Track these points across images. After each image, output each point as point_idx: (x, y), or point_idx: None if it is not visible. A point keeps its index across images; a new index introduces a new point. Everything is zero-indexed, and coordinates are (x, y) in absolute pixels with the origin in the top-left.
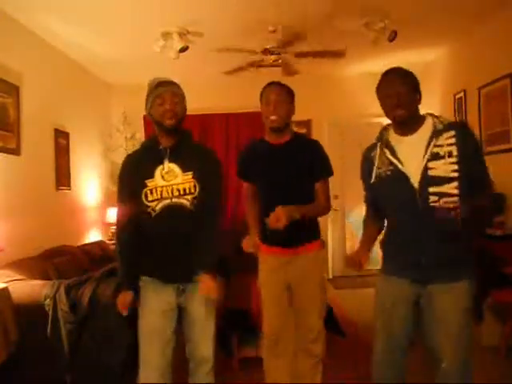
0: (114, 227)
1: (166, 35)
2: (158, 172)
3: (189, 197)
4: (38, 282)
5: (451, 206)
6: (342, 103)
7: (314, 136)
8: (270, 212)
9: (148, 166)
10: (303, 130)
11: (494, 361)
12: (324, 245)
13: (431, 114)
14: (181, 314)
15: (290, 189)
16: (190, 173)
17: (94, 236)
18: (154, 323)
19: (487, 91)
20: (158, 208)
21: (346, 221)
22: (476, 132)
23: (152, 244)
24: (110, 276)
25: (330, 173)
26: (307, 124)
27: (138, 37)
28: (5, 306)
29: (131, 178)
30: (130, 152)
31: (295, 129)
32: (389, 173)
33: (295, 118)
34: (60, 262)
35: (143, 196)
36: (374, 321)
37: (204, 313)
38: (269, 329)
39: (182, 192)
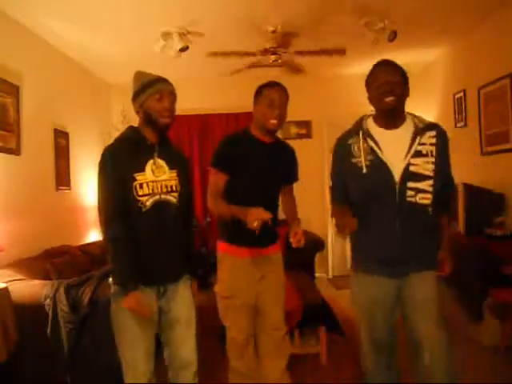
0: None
1: (166, 35)
2: (148, 166)
3: (175, 194)
4: (37, 282)
5: (426, 201)
6: (342, 103)
7: (314, 136)
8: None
9: (137, 159)
10: (303, 131)
11: (494, 361)
12: (323, 244)
13: (410, 113)
14: (160, 317)
15: (268, 186)
16: (175, 171)
17: (93, 236)
18: (136, 329)
19: (487, 91)
20: (148, 203)
21: None
22: (476, 132)
23: (137, 242)
24: (110, 276)
25: (298, 178)
26: (307, 124)
27: (138, 37)
28: (5, 306)
29: (119, 170)
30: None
31: (295, 129)
32: (368, 163)
33: (295, 118)
34: (60, 261)
35: (133, 190)
36: (357, 320)
37: (187, 314)
38: (241, 334)
39: (169, 189)
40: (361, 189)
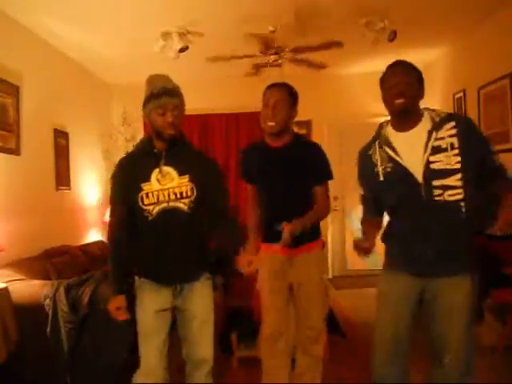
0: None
1: (166, 35)
2: (153, 175)
3: (186, 200)
4: (37, 282)
5: (457, 197)
6: (341, 103)
7: (314, 136)
8: (269, 215)
9: (144, 170)
10: (303, 131)
11: (494, 361)
12: (324, 244)
13: (427, 109)
14: (176, 315)
15: (288, 192)
16: (187, 176)
17: (93, 236)
18: (149, 325)
19: (487, 91)
20: (154, 212)
21: (346, 221)
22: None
23: (148, 247)
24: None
25: (329, 176)
26: (307, 124)
27: (138, 37)
28: (5, 306)
29: (126, 181)
30: (125, 153)
31: (295, 129)
32: (389, 169)
33: (295, 118)
34: (60, 261)
35: (139, 200)
36: (375, 316)
37: (203, 312)
38: (268, 329)
39: (178, 196)
40: (385, 195)
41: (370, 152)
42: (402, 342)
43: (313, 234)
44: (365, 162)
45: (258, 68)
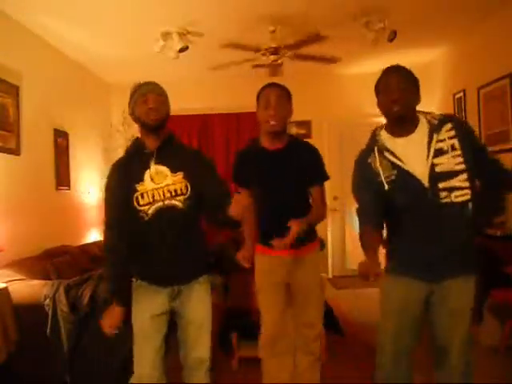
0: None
1: (166, 35)
2: (147, 175)
3: (181, 197)
4: (37, 282)
5: (464, 198)
6: (342, 103)
7: (314, 136)
8: (266, 217)
9: (136, 171)
10: (303, 131)
11: (494, 361)
12: (323, 244)
13: (421, 112)
14: (173, 318)
15: (287, 195)
16: (180, 173)
17: (93, 236)
18: (144, 330)
19: (487, 91)
20: (150, 212)
21: (346, 221)
22: (476, 132)
23: (145, 248)
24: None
25: (326, 177)
26: (307, 124)
27: (138, 37)
28: (5, 306)
29: (120, 185)
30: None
31: (295, 129)
32: (394, 177)
33: (295, 118)
34: (60, 261)
35: (134, 201)
36: (380, 322)
37: (200, 317)
38: (267, 329)
39: (173, 193)
40: (391, 203)
41: (370, 160)
42: (409, 346)
43: (310, 236)
44: (365, 171)
45: (257, 67)
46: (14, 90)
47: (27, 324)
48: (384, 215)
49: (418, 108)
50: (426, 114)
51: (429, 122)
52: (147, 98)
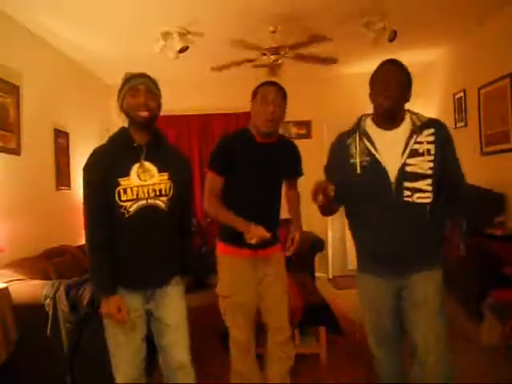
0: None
1: (166, 35)
2: (133, 170)
3: (164, 198)
4: (38, 282)
5: (424, 200)
6: (342, 103)
7: (314, 136)
8: (244, 210)
9: (122, 163)
10: (303, 131)
11: (494, 361)
12: (323, 244)
13: (409, 110)
14: (150, 319)
15: (268, 188)
16: (166, 173)
17: None
18: (121, 335)
19: (487, 91)
20: (132, 209)
21: (346, 221)
22: (476, 132)
23: (121, 247)
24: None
25: (302, 173)
26: (307, 124)
27: (138, 37)
28: (5, 306)
29: (102, 174)
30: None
31: (295, 129)
32: (365, 163)
33: (295, 118)
34: (60, 261)
35: (116, 195)
36: (363, 320)
37: (176, 318)
38: (242, 335)
39: (157, 193)
40: (357, 189)
41: (349, 142)
42: (391, 336)
43: (276, 236)
44: (341, 150)
45: (257, 67)
46: (14, 90)
47: (27, 324)
48: (351, 203)
49: (416, 108)
50: (412, 113)
51: (413, 121)
52: (138, 92)
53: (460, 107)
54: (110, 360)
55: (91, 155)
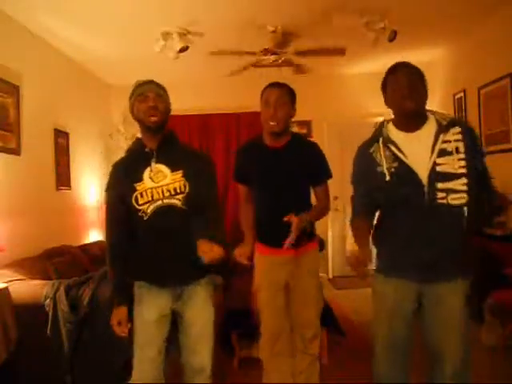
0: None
1: (166, 35)
2: (146, 174)
3: (180, 196)
4: (38, 282)
5: (460, 201)
6: (341, 103)
7: (314, 136)
8: (267, 216)
9: (136, 170)
10: (303, 131)
11: (494, 361)
12: (323, 244)
13: (430, 111)
14: (175, 319)
15: (287, 193)
16: (180, 172)
17: (94, 236)
18: (145, 334)
19: (487, 91)
20: (149, 210)
21: (346, 221)
22: (476, 132)
23: (146, 248)
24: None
25: (329, 175)
26: (307, 124)
27: (138, 37)
28: (5, 306)
29: (120, 185)
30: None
31: (296, 129)
32: (393, 170)
33: (295, 118)
34: (60, 261)
35: (133, 200)
36: (373, 322)
37: (203, 319)
38: (267, 329)
39: (172, 192)
40: (387, 196)
41: (372, 150)
42: (401, 347)
43: (309, 235)
44: (365, 160)
45: (258, 67)
46: (14, 90)
47: (27, 324)
48: (379, 209)
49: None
50: (434, 112)
51: (437, 121)
52: (147, 97)
53: (460, 107)
54: (109, 360)
55: (110, 173)
